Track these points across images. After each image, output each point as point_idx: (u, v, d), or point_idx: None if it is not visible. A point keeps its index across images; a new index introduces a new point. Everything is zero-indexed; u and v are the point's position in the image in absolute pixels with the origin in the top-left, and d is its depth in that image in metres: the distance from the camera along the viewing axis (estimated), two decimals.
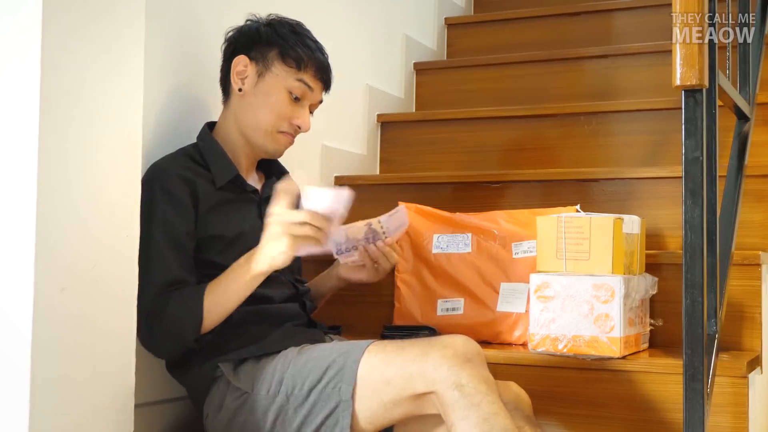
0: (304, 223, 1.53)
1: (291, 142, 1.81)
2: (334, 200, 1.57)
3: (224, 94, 1.83)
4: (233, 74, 1.77)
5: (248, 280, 1.61)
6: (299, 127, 1.79)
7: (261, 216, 1.80)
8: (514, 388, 1.67)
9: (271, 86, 1.75)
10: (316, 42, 1.81)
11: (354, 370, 1.54)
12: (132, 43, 1.43)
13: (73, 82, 1.31)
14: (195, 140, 1.81)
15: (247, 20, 1.82)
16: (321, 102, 1.84)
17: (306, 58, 1.76)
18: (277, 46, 1.76)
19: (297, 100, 1.77)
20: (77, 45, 1.32)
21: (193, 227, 1.68)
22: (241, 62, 1.76)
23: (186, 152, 1.76)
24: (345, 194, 1.58)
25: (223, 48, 1.83)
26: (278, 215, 1.55)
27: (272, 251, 1.56)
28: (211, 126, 1.84)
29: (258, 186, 1.84)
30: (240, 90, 1.77)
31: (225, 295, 1.63)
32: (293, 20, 1.83)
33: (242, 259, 1.64)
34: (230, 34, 1.82)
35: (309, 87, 1.77)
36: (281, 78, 1.75)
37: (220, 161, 1.76)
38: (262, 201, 1.82)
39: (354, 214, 2.57)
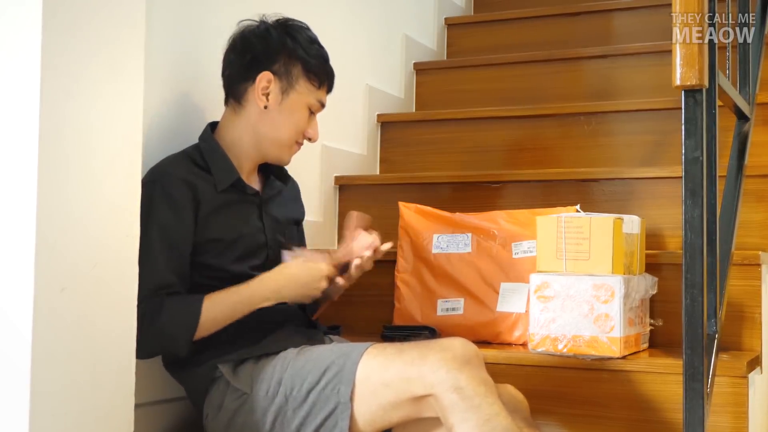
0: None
1: (298, 149, 1.84)
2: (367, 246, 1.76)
3: (235, 100, 1.78)
4: (257, 90, 1.74)
5: (257, 305, 1.67)
6: (310, 138, 1.81)
7: (261, 218, 1.80)
8: (510, 390, 1.67)
9: (295, 104, 1.76)
10: (321, 45, 1.82)
11: (353, 371, 1.54)
12: (132, 43, 1.43)
13: (73, 82, 1.31)
14: (195, 140, 1.80)
15: (258, 22, 1.78)
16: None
17: (324, 73, 1.78)
18: (301, 62, 1.75)
19: (311, 114, 1.80)
20: (77, 45, 1.32)
21: (191, 231, 1.68)
22: (265, 78, 1.74)
23: (187, 154, 1.75)
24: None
25: (236, 51, 1.77)
26: (324, 271, 1.71)
27: (311, 297, 1.72)
28: (212, 126, 1.82)
29: (258, 187, 1.84)
30: (265, 107, 1.75)
31: (226, 316, 1.66)
32: (301, 23, 1.81)
33: (255, 289, 1.67)
34: (245, 37, 1.77)
35: (323, 105, 1.81)
36: (304, 96, 1.76)
37: (222, 164, 1.75)
38: (262, 202, 1.82)
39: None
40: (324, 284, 1.71)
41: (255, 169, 1.85)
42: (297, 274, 1.70)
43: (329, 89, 1.82)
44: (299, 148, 1.83)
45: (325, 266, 1.72)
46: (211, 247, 1.70)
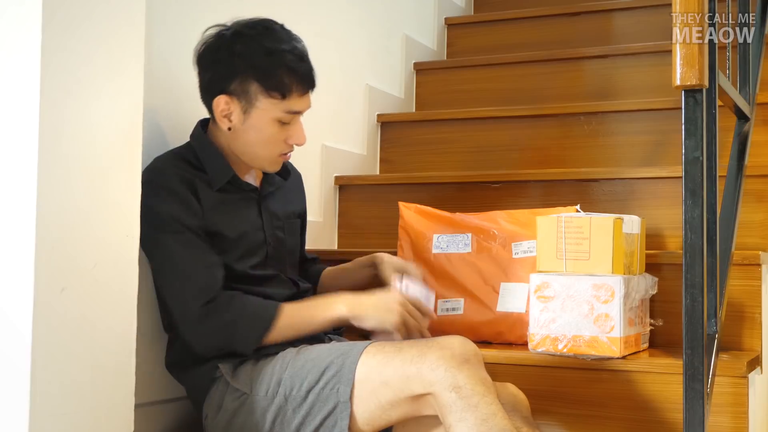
0: (422, 317, 1.71)
1: (289, 158, 1.78)
2: (426, 300, 1.75)
3: (211, 115, 1.74)
4: (217, 114, 1.69)
5: (332, 319, 1.69)
6: (296, 144, 1.74)
7: (261, 214, 1.80)
8: (511, 389, 1.67)
9: (260, 121, 1.68)
10: (292, 48, 1.68)
11: (352, 371, 1.54)
12: (132, 42, 1.43)
13: (73, 81, 1.31)
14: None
15: (216, 33, 1.70)
16: (310, 105, 1.75)
17: (288, 82, 1.66)
18: (256, 79, 1.65)
19: (284, 124, 1.70)
20: (77, 44, 1.32)
21: (202, 219, 1.67)
22: (222, 101, 1.67)
23: (179, 154, 1.73)
24: (432, 299, 1.77)
25: (199, 68, 1.72)
26: (407, 300, 1.69)
27: (383, 321, 1.67)
28: (203, 123, 1.79)
29: (256, 183, 1.83)
30: (229, 129, 1.70)
31: (303, 318, 1.68)
32: (261, 25, 1.69)
33: (332, 299, 1.69)
34: (203, 55, 1.71)
35: (296, 112, 1.70)
36: (268, 111, 1.67)
37: (216, 163, 1.73)
38: (261, 198, 1.81)
39: (353, 213, 2.59)
40: (396, 309, 1.67)
41: (250, 166, 1.83)
42: (372, 296, 1.70)
43: (304, 92, 1.69)
44: (287, 157, 1.77)
45: (398, 296, 1.70)
46: (216, 242, 1.69)
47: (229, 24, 1.71)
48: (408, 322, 1.67)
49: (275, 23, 1.72)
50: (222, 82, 1.68)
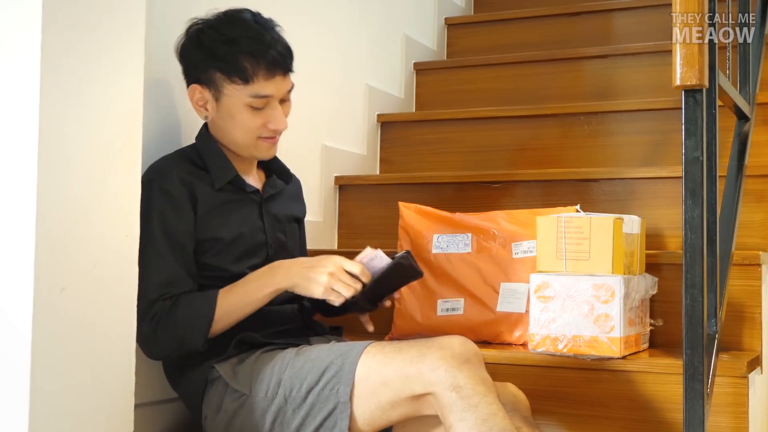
0: (354, 277, 1.65)
1: (276, 141, 1.77)
2: (381, 263, 1.71)
3: None
4: (193, 103, 1.73)
5: (270, 293, 1.67)
6: (275, 130, 1.74)
7: (262, 216, 1.80)
8: (511, 389, 1.67)
9: (231, 107, 1.70)
10: (255, 34, 1.68)
11: (352, 371, 1.54)
12: (132, 43, 1.43)
13: (73, 82, 1.31)
14: (193, 140, 1.80)
15: (190, 26, 1.74)
16: (291, 88, 1.75)
17: (250, 66, 1.66)
18: (216, 68, 1.68)
19: (256, 109, 1.70)
20: (77, 45, 1.32)
21: (192, 228, 1.68)
22: (196, 91, 1.72)
23: (184, 153, 1.75)
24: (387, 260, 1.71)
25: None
26: (338, 260, 1.65)
27: (310, 292, 1.65)
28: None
29: (258, 185, 1.84)
30: (206, 117, 1.74)
31: (241, 304, 1.66)
32: (230, 15, 1.71)
33: (264, 272, 1.67)
34: (177, 49, 1.76)
35: (265, 96, 1.69)
36: (235, 97, 1.69)
37: (219, 162, 1.75)
38: (263, 201, 1.81)
39: (353, 213, 2.59)
40: (322, 281, 1.64)
41: (253, 165, 1.84)
42: (305, 258, 1.70)
43: (271, 75, 1.68)
44: (272, 141, 1.75)
45: (337, 257, 1.67)
46: (210, 246, 1.70)
47: (206, 17, 1.74)
48: (337, 290, 1.64)
49: (247, 12, 1.74)
50: (192, 72, 1.73)
